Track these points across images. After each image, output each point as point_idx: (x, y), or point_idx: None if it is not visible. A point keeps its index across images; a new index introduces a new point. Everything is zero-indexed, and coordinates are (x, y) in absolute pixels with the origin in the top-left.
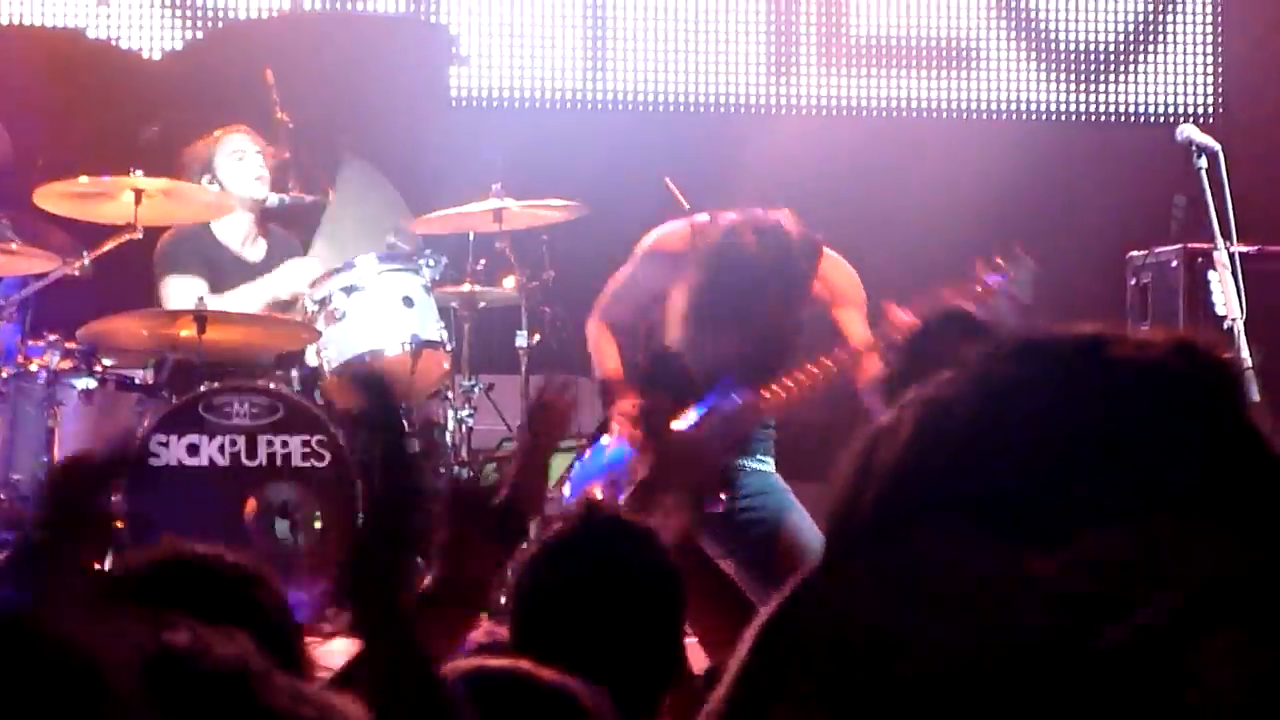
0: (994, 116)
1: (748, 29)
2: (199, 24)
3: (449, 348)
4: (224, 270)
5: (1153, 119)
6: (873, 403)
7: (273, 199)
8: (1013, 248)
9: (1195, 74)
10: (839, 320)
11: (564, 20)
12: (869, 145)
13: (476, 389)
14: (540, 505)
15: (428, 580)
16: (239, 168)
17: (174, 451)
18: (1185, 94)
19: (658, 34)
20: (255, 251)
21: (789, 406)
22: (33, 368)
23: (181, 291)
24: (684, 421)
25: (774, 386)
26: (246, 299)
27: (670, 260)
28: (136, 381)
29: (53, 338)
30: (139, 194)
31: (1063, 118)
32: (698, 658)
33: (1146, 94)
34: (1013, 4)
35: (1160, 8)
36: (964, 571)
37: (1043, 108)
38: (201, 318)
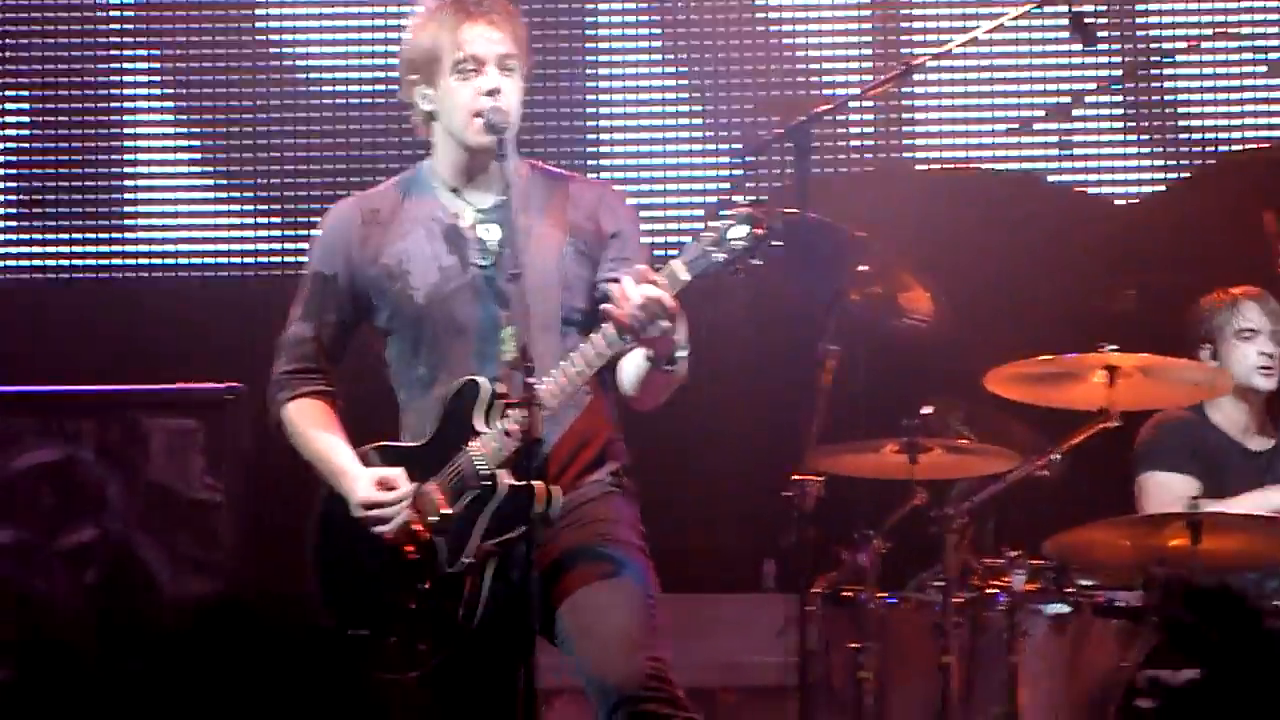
0: None
1: None
2: (1183, 160)
3: None
4: (1221, 465)
5: None
6: None
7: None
8: None
9: None
10: None
11: None
12: None
13: None
14: None
15: None
16: (1245, 348)
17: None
18: None
19: None
20: (1260, 442)
21: None
22: (991, 590)
23: (1166, 492)
24: None
25: None
26: (1251, 506)
27: None
28: (1119, 604)
29: (1014, 553)
30: (1113, 373)
31: None
32: None
33: None
34: None
35: None
36: None
37: None
38: (1195, 524)
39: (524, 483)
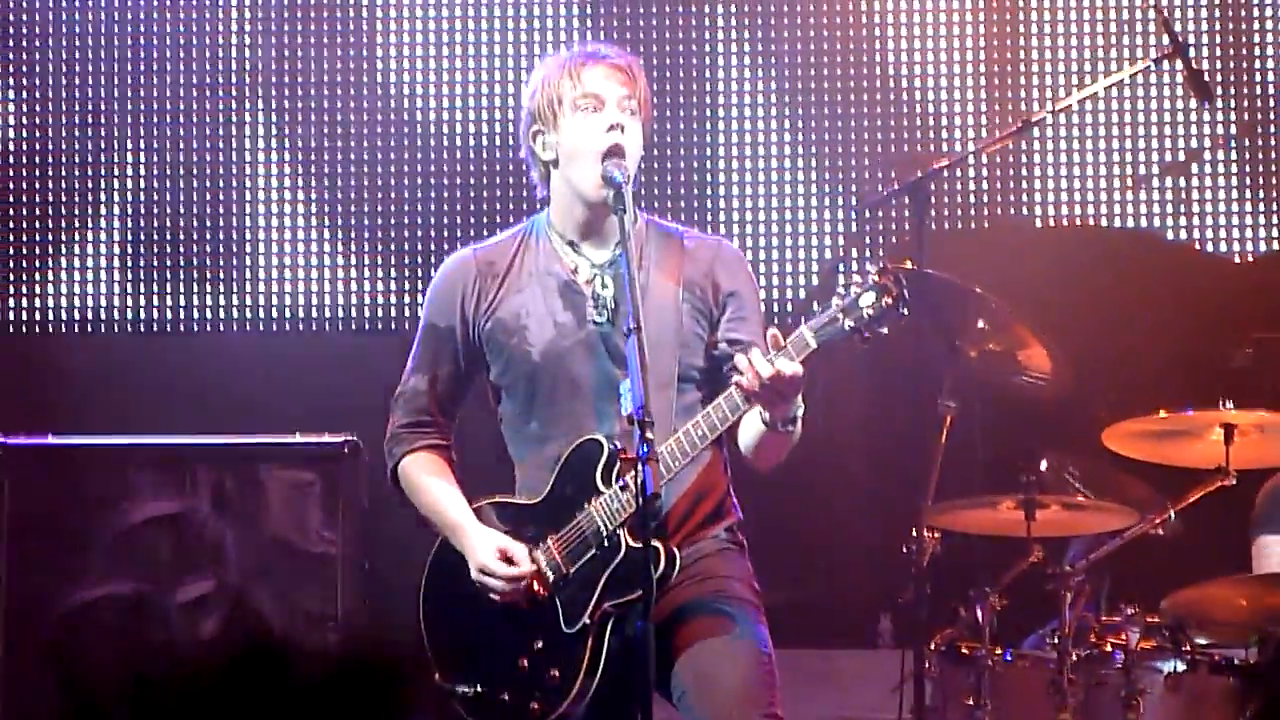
0: None
1: None
2: None
3: None
4: None
5: None
6: None
7: None
8: None
9: None
10: None
11: None
12: None
13: None
14: None
15: None
16: None
17: None
18: None
19: None
20: None
21: None
22: (1108, 647)
23: (1278, 557)
24: None
25: None
26: None
27: None
28: (1235, 663)
29: (1131, 611)
30: (1230, 430)
31: None
32: None
33: None
34: None
35: None
36: None
37: None
38: None
39: (644, 545)
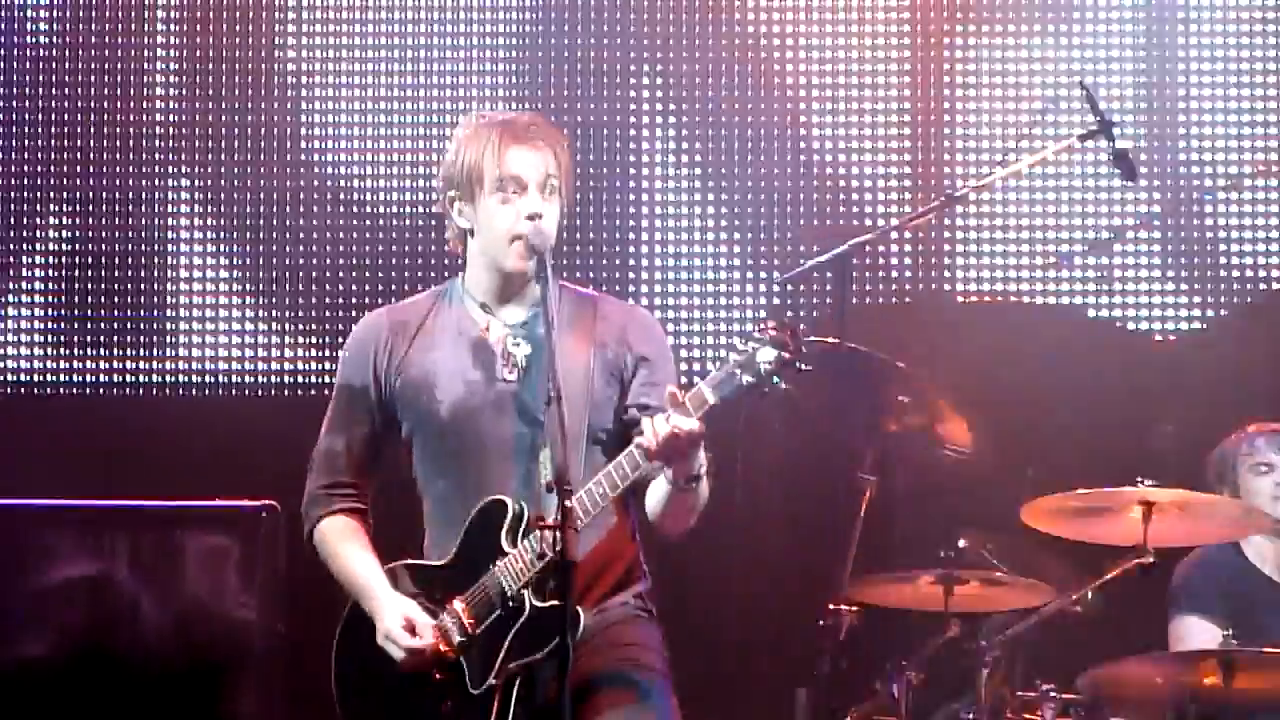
0: None
1: None
2: (1223, 297)
3: None
4: (1254, 602)
5: None
6: None
7: None
8: None
9: None
10: None
11: None
12: None
13: None
14: None
15: None
16: (1262, 482)
17: None
18: None
19: None
20: None
21: None
22: None
23: (1196, 637)
24: None
25: None
26: None
27: None
28: None
29: (1048, 687)
30: (1149, 508)
31: None
32: None
33: None
34: None
35: None
36: None
37: None
38: (1228, 662)
39: (550, 604)
